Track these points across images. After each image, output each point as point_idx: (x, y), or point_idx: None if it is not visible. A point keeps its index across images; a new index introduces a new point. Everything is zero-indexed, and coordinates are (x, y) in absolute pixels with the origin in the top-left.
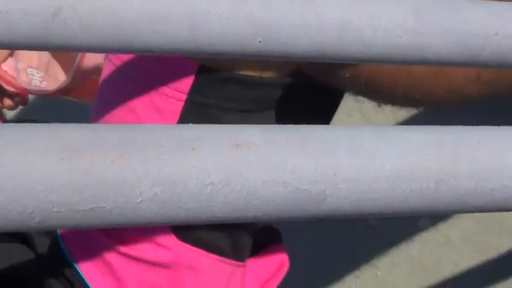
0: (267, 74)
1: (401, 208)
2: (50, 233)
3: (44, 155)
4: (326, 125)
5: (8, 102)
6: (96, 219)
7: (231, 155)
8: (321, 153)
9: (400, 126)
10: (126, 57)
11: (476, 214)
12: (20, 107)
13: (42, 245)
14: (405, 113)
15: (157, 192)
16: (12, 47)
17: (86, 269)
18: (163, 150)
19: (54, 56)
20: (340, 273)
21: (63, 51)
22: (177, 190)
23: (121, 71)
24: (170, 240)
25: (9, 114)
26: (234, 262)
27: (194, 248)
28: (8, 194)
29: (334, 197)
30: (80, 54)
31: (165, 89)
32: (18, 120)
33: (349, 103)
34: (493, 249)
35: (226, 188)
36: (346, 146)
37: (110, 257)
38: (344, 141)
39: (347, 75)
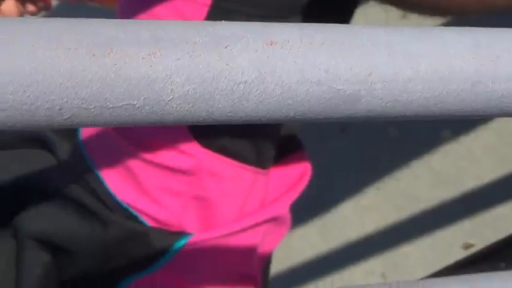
0: None
1: (437, 110)
2: (71, 138)
3: (75, 50)
4: (363, 25)
5: (30, 7)
6: (126, 116)
7: (265, 53)
8: (357, 53)
9: (438, 27)
10: None
11: (499, 126)
12: (42, 13)
13: (63, 151)
14: (430, 23)
15: (188, 90)
16: None
17: (107, 175)
18: (196, 47)
19: None
20: (362, 184)
21: None
22: (209, 88)
23: None
24: (193, 147)
25: None
26: (257, 169)
27: (217, 155)
28: (35, 90)
29: (369, 97)
30: None
31: None
32: None
33: (375, 14)
34: None
35: (259, 87)
36: (383, 46)
37: (132, 163)
38: (381, 42)
39: None
